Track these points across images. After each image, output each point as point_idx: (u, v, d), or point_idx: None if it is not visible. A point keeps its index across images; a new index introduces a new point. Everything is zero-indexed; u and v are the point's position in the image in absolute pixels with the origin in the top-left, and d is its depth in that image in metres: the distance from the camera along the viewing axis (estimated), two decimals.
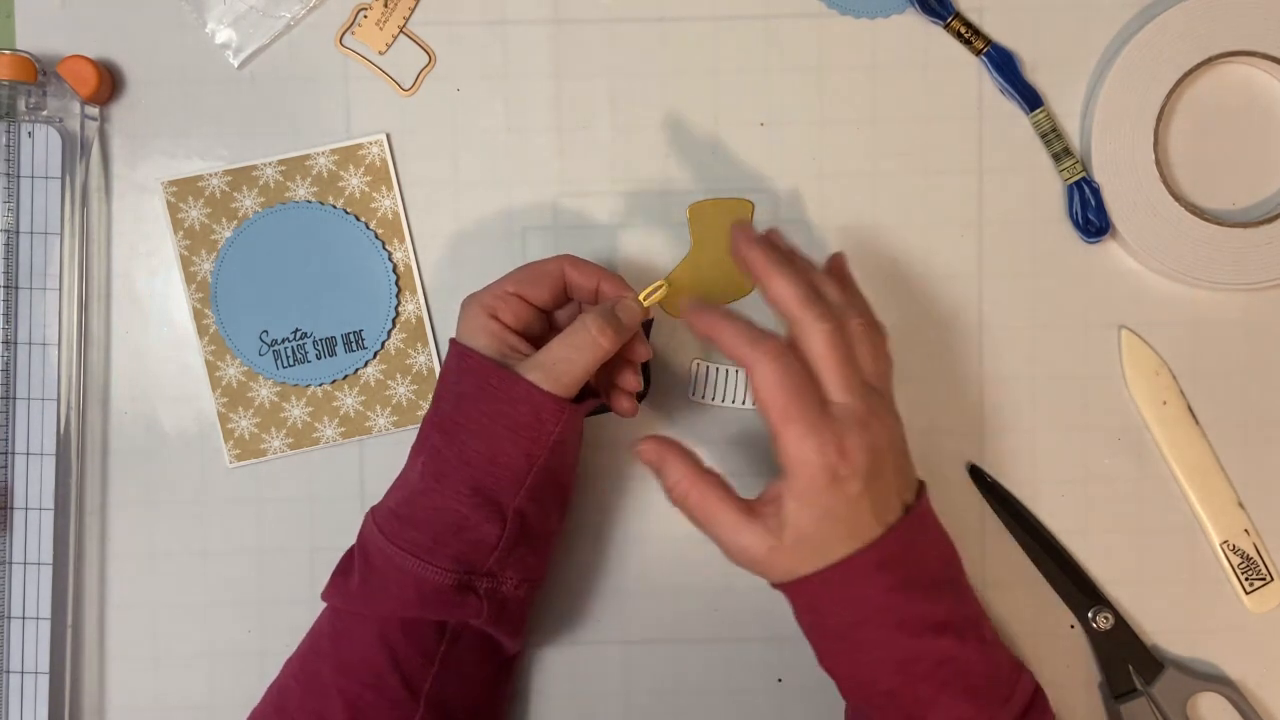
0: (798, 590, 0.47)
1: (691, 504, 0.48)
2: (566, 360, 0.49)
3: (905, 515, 0.47)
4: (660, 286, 0.52)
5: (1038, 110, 0.59)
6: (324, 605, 0.53)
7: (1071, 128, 0.60)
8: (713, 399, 0.60)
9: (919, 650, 0.46)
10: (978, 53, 0.59)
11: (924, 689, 0.46)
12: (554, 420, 0.49)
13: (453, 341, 0.52)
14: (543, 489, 0.51)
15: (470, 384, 0.50)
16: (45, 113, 0.58)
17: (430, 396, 0.59)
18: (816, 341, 0.46)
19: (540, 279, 0.53)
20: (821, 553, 0.46)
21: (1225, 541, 0.59)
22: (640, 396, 0.56)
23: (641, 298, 0.52)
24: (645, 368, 0.56)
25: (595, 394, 0.54)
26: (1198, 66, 0.58)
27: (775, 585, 0.49)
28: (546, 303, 0.53)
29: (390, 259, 0.59)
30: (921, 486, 0.49)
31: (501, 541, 0.50)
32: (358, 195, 0.59)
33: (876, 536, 0.46)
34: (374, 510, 0.53)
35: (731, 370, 0.60)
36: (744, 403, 0.60)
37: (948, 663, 0.47)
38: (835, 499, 0.45)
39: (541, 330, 0.54)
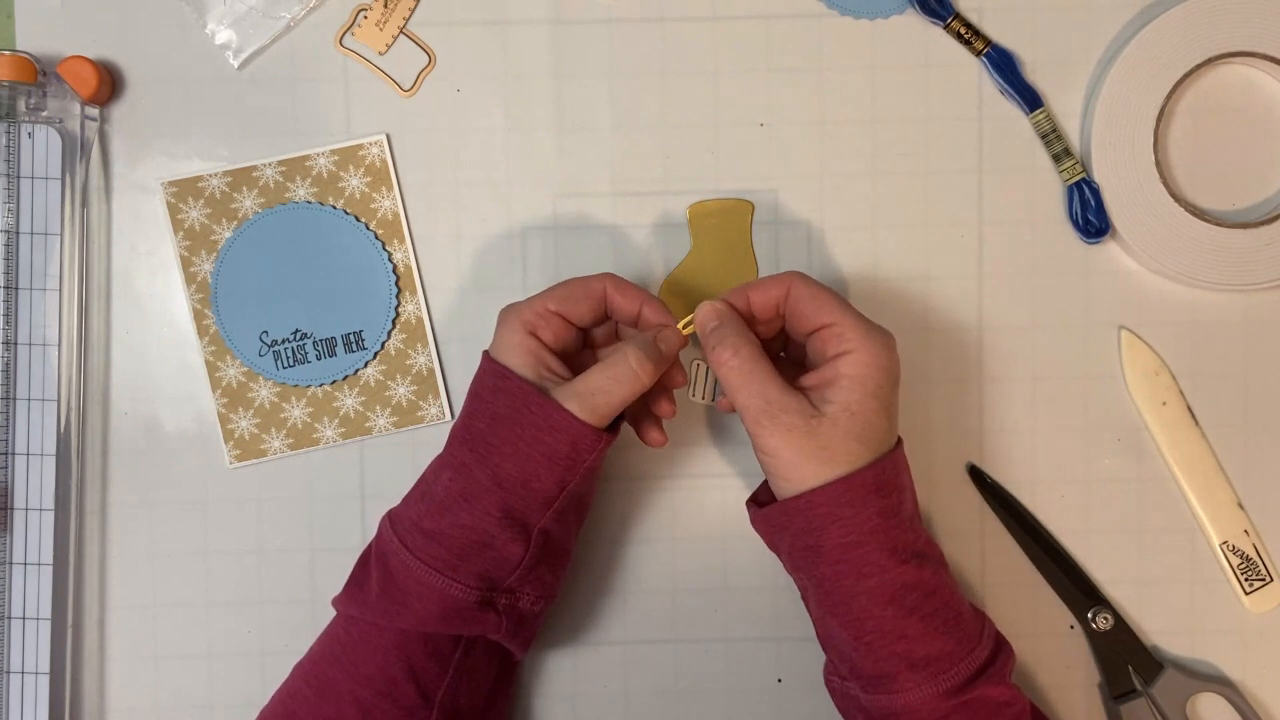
0: (804, 504, 0.49)
1: (741, 358, 0.50)
2: (605, 391, 0.49)
3: (894, 449, 0.50)
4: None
5: (1038, 110, 0.59)
6: (330, 607, 0.53)
7: (1071, 128, 0.60)
8: (712, 399, 0.60)
9: (907, 578, 0.48)
10: (978, 53, 0.59)
11: (910, 624, 0.48)
12: (590, 450, 0.50)
13: (488, 357, 0.52)
14: (567, 510, 0.51)
15: (506, 406, 0.50)
16: (45, 113, 0.58)
17: (430, 397, 0.59)
18: (813, 280, 0.52)
19: (582, 299, 0.52)
20: (841, 454, 0.48)
21: (1225, 542, 0.59)
22: None
23: (680, 326, 0.52)
24: None
25: (623, 417, 0.54)
26: (1198, 66, 0.58)
27: (775, 515, 0.50)
28: (587, 322, 0.53)
29: (390, 259, 0.59)
30: (899, 439, 0.52)
31: (524, 560, 0.50)
32: (358, 196, 0.59)
33: (875, 458, 0.49)
34: (393, 518, 0.52)
35: None
36: None
37: (931, 595, 0.49)
38: (886, 385, 0.49)
39: (577, 348, 0.54)
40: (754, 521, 0.53)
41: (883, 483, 0.49)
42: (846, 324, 0.49)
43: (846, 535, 0.48)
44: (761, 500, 0.53)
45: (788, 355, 0.56)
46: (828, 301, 0.50)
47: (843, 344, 0.49)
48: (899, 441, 0.51)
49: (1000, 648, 0.51)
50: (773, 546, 0.53)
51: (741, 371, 0.49)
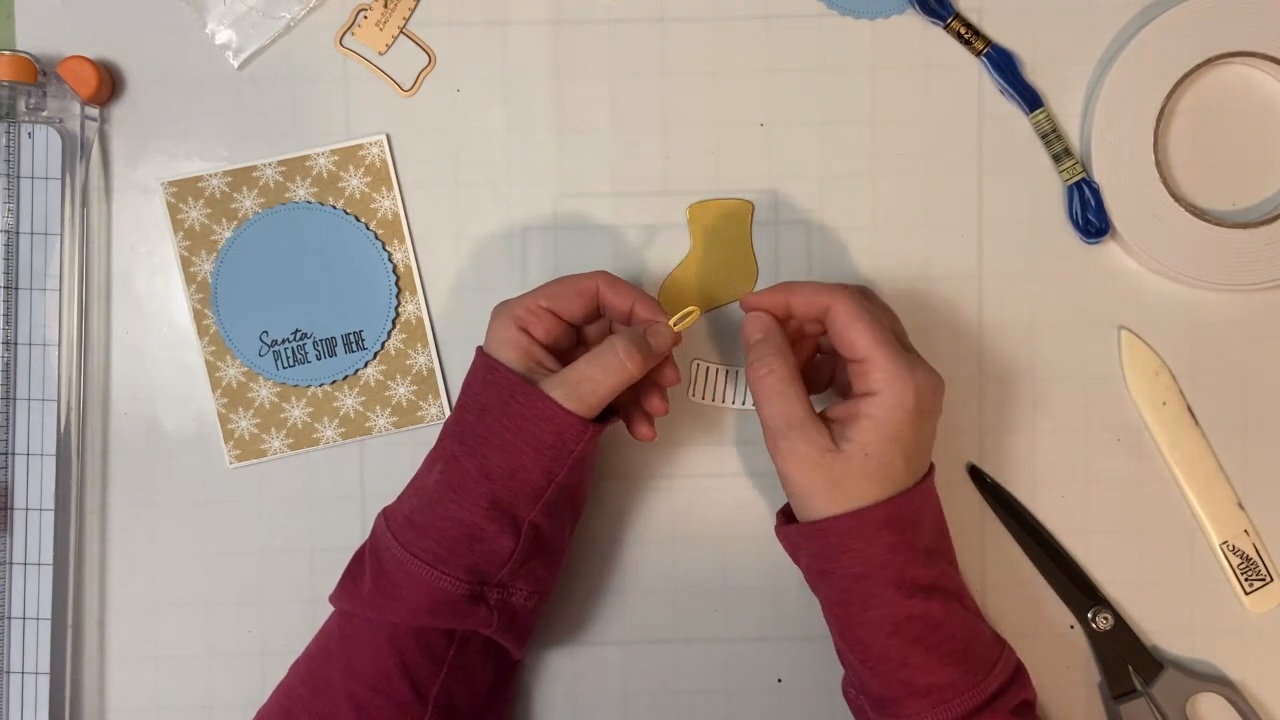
0: (817, 531, 0.49)
1: (776, 377, 0.50)
2: (591, 380, 0.49)
3: (917, 484, 0.50)
4: (691, 312, 0.52)
5: (1038, 111, 0.59)
6: (328, 606, 0.53)
7: (1071, 128, 0.60)
8: (711, 399, 0.60)
9: (911, 611, 0.48)
10: (978, 53, 0.59)
11: (914, 654, 0.49)
12: (576, 440, 0.50)
13: (480, 351, 0.52)
14: (558, 504, 0.51)
15: (494, 397, 0.50)
16: (45, 113, 0.58)
17: (430, 397, 0.59)
18: (856, 303, 0.51)
19: (574, 296, 0.52)
20: (852, 491, 0.49)
21: (1225, 542, 0.59)
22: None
23: (672, 323, 0.52)
24: None
25: (616, 412, 0.54)
26: (1198, 66, 0.58)
27: (793, 534, 0.51)
28: (578, 319, 0.53)
29: (390, 259, 0.59)
30: (931, 465, 0.52)
31: (515, 554, 0.51)
32: (358, 196, 0.59)
33: (892, 494, 0.49)
34: (387, 514, 0.52)
35: (729, 371, 0.60)
36: (742, 403, 0.60)
37: (936, 627, 0.49)
38: (907, 429, 0.49)
39: (570, 344, 0.54)
40: (777, 534, 0.54)
41: (896, 519, 0.49)
42: (876, 364, 0.49)
43: (854, 566, 0.49)
44: (790, 514, 0.54)
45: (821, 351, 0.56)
46: (862, 335, 0.49)
47: (868, 384, 0.49)
48: (930, 471, 0.51)
49: (1014, 680, 0.51)
50: (793, 560, 0.53)
51: (773, 390, 0.50)
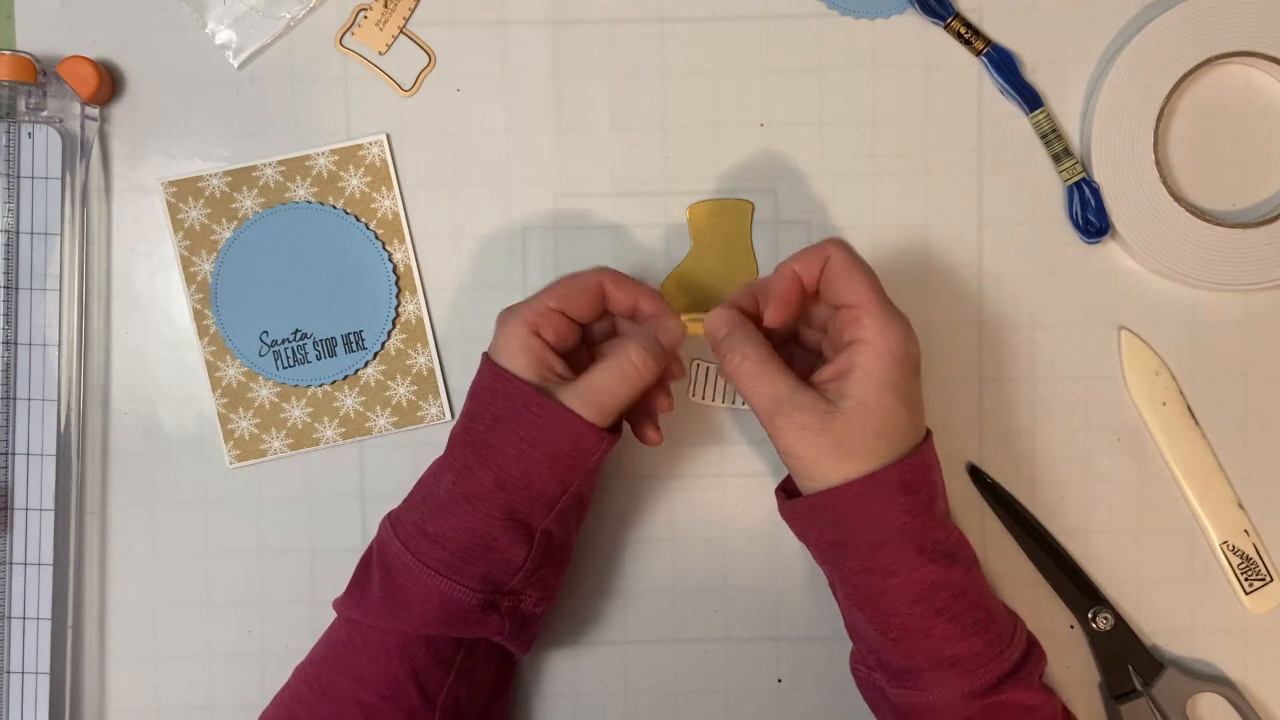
0: (828, 500, 0.48)
1: (750, 360, 0.49)
2: (609, 391, 0.49)
3: (922, 444, 0.49)
4: (698, 320, 0.52)
5: (1038, 110, 0.59)
6: (329, 608, 0.53)
7: (1071, 128, 0.60)
8: (711, 399, 0.60)
9: (935, 579, 0.48)
10: (978, 53, 0.59)
11: (937, 625, 0.48)
12: (594, 450, 0.49)
13: (486, 359, 0.52)
14: (568, 510, 0.51)
15: (507, 408, 0.50)
16: (45, 113, 0.58)
17: (430, 397, 0.59)
18: (854, 252, 0.51)
19: (582, 294, 0.52)
20: (858, 450, 0.47)
21: (1225, 542, 0.59)
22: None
23: (685, 320, 0.52)
24: None
25: (622, 417, 0.53)
26: (1198, 66, 0.58)
27: (800, 509, 0.50)
28: (587, 318, 0.53)
29: (390, 259, 0.59)
30: (929, 431, 0.51)
31: (527, 562, 0.50)
32: (358, 195, 0.59)
33: (901, 455, 0.48)
34: (394, 521, 0.52)
35: None
36: (741, 403, 0.60)
37: (960, 597, 0.48)
38: (901, 378, 0.48)
39: (576, 344, 0.54)
40: (782, 512, 0.52)
41: (910, 480, 0.48)
42: (865, 309, 0.48)
43: (873, 533, 0.48)
44: (790, 490, 0.52)
45: (802, 343, 0.55)
46: (856, 279, 0.49)
47: (857, 331, 0.48)
48: (928, 434, 0.50)
49: (1031, 651, 0.50)
50: (801, 537, 0.52)
51: (751, 374, 0.49)
